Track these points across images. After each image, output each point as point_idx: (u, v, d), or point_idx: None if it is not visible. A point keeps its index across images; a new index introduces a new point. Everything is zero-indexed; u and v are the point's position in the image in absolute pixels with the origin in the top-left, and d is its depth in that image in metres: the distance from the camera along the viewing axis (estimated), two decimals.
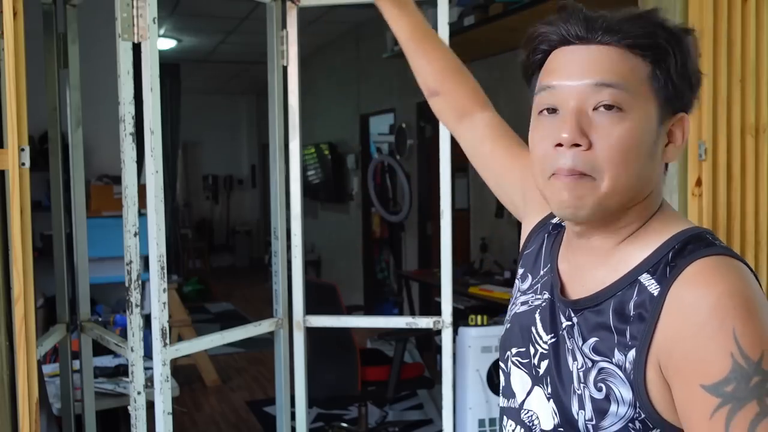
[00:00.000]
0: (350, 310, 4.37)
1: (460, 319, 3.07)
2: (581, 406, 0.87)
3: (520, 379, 0.98)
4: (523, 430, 0.96)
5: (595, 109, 0.85)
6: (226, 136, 11.69)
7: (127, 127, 1.89)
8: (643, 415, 0.83)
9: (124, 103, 1.89)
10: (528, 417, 0.95)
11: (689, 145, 2.19)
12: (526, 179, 1.11)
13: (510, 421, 1.00)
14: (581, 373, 0.87)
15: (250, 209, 11.99)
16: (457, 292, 4.35)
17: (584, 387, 0.87)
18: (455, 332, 2.81)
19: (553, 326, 0.93)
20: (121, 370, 3.02)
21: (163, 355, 1.94)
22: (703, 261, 0.82)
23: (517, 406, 0.98)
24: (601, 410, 0.85)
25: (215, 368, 5.35)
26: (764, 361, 0.76)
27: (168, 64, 6.79)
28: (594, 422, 0.85)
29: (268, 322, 2.37)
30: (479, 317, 3.14)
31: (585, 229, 0.91)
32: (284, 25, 2.33)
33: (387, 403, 4.39)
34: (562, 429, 0.90)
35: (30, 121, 1.66)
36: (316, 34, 7.14)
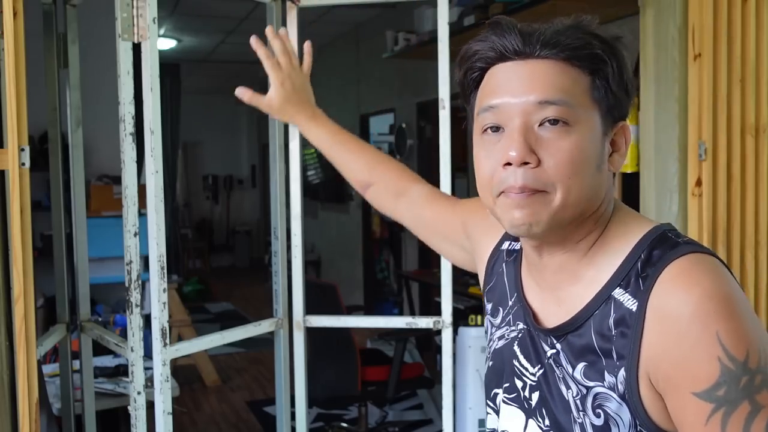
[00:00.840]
0: (350, 310, 4.37)
1: (460, 319, 3.07)
2: None
3: (512, 416, 0.95)
4: None
5: (540, 125, 0.84)
6: (226, 136, 11.69)
7: (127, 127, 1.89)
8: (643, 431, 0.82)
9: (124, 103, 1.89)
10: None
11: (689, 145, 2.19)
12: (466, 221, 1.12)
13: None
14: (578, 402, 0.86)
15: (250, 209, 11.99)
16: (457, 292, 4.35)
17: (584, 415, 0.85)
18: (455, 332, 2.81)
19: (537, 356, 0.92)
20: (121, 370, 3.02)
21: (163, 355, 1.94)
22: (674, 265, 0.81)
23: None
24: None
25: (215, 368, 5.35)
26: (750, 360, 0.75)
27: (168, 64, 6.79)
28: None
29: (268, 322, 2.37)
30: (479, 317, 3.14)
31: (540, 244, 0.89)
32: (284, 25, 2.33)
33: (387, 403, 4.39)
34: None
35: (30, 121, 1.66)
36: (316, 34, 7.14)
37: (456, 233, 1.17)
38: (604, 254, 0.88)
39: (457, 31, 4.02)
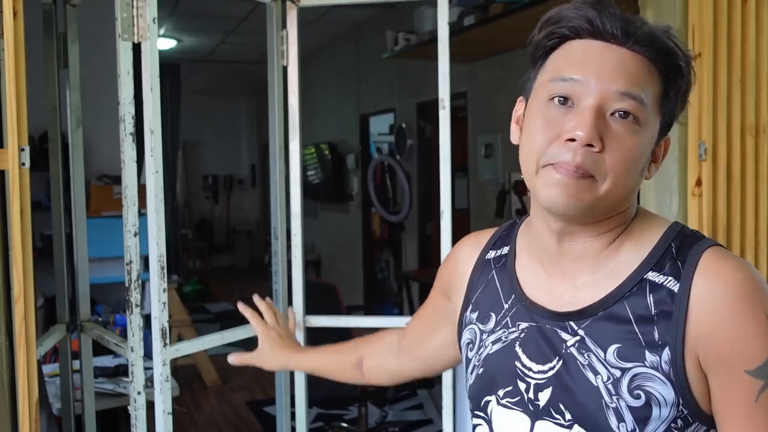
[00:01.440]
0: (350, 310, 4.36)
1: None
2: (620, 419, 0.84)
3: (512, 421, 0.93)
4: None
5: (612, 113, 0.84)
6: (226, 136, 11.69)
7: (127, 127, 1.89)
8: (686, 412, 0.83)
9: (124, 103, 1.89)
10: None
11: (689, 145, 2.19)
12: (444, 288, 1.13)
13: None
14: (609, 386, 0.85)
15: (250, 209, 11.99)
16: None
17: (618, 398, 0.84)
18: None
19: (552, 350, 0.90)
20: (121, 370, 3.02)
21: (163, 355, 1.94)
22: (709, 253, 0.85)
23: None
24: (643, 418, 0.83)
25: (215, 368, 5.35)
26: None
27: (168, 64, 6.79)
28: (638, 430, 0.83)
29: None
30: None
31: (564, 229, 0.90)
32: (284, 25, 2.33)
33: (387, 403, 4.39)
34: None
35: (30, 121, 1.66)
36: (316, 34, 7.14)
37: (446, 310, 1.14)
38: (630, 244, 0.90)
39: (457, 31, 4.03)
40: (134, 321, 1.92)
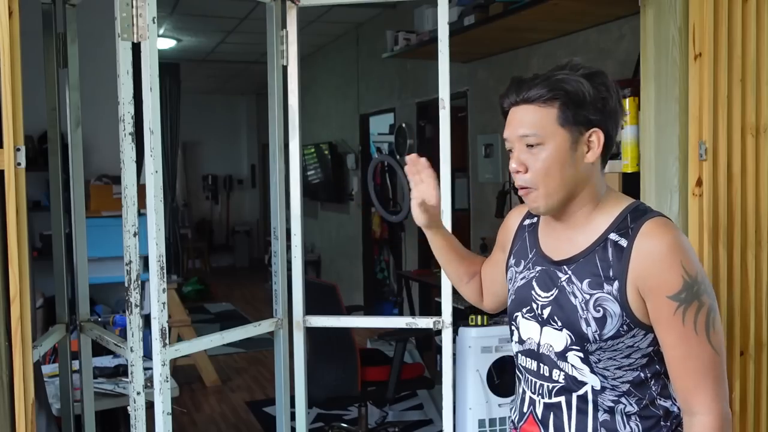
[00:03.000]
0: (350, 310, 4.36)
1: (460, 319, 3.06)
2: (588, 324, 1.33)
3: (530, 327, 1.44)
4: (544, 360, 1.41)
5: (526, 147, 1.35)
6: (226, 136, 11.69)
7: (127, 126, 1.89)
8: (628, 320, 1.31)
9: (124, 103, 1.88)
10: (545, 348, 1.41)
11: (689, 145, 2.19)
12: (499, 248, 1.65)
13: (527, 359, 1.46)
14: (582, 304, 1.34)
15: (250, 209, 11.99)
16: (458, 293, 4.34)
17: (587, 312, 1.34)
18: (455, 332, 2.81)
19: (552, 283, 1.40)
20: (121, 371, 3.02)
21: (162, 356, 1.93)
22: (651, 223, 1.32)
23: (535, 346, 1.43)
24: (601, 323, 1.32)
25: (215, 368, 5.35)
26: (697, 277, 1.29)
27: (168, 63, 6.79)
28: (598, 331, 1.32)
29: (268, 322, 2.36)
30: (479, 317, 3.13)
31: (555, 214, 1.40)
32: (284, 25, 2.33)
33: (387, 404, 4.39)
34: (574, 346, 1.35)
35: (29, 121, 1.65)
36: (316, 34, 7.14)
37: (502, 262, 1.63)
38: (600, 214, 1.38)
39: (457, 31, 4.02)
40: (134, 321, 1.92)
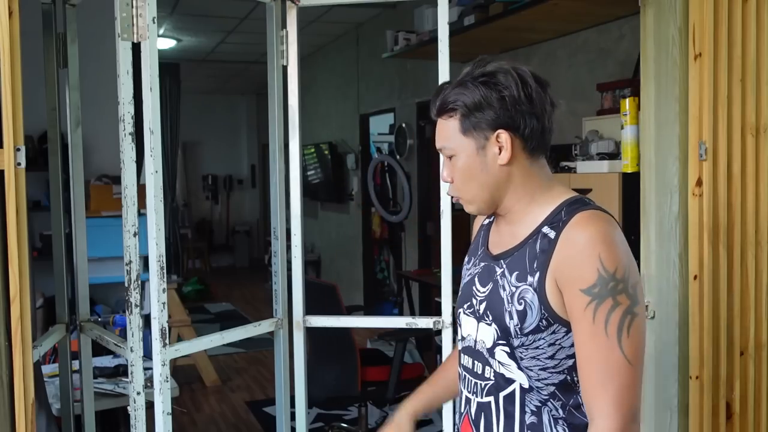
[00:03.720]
0: (350, 310, 4.36)
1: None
2: (511, 317, 1.31)
3: (469, 323, 1.43)
4: (477, 357, 1.40)
5: (448, 158, 1.38)
6: (226, 136, 11.69)
7: (127, 126, 1.89)
8: (546, 315, 1.27)
9: (124, 103, 1.88)
10: (480, 344, 1.39)
11: (689, 145, 2.19)
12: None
13: (465, 356, 1.44)
14: (509, 296, 1.32)
15: (250, 209, 11.98)
16: (458, 293, 4.33)
17: (511, 305, 1.31)
18: (455, 332, 2.81)
19: (490, 278, 1.38)
20: (121, 371, 3.02)
21: (162, 356, 1.93)
22: (581, 214, 1.28)
23: (472, 342, 1.41)
24: (522, 316, 1.29)
25: (215, 368, 5.35)
26: (617, 273, 1.22)
27: (168, 63, 6.79)
28: (519, 325, 1.29)
29: (268, 322, 2.36)
30: None
31: (495, 213, 1.41)
32: (284, 25, 2.33)
33: (387, 404, 4.39)
34: (500, 341, 1.33)
35: (30, 121, 1.65)
36: (316, 34, 7.13)
37: None
38: (536, 208, 1.35)
39: (457, 31, 4.02)
40: (134, 321, 1.92)
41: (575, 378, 1.29)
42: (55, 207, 2.34)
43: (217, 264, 11.48)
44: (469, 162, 1.34)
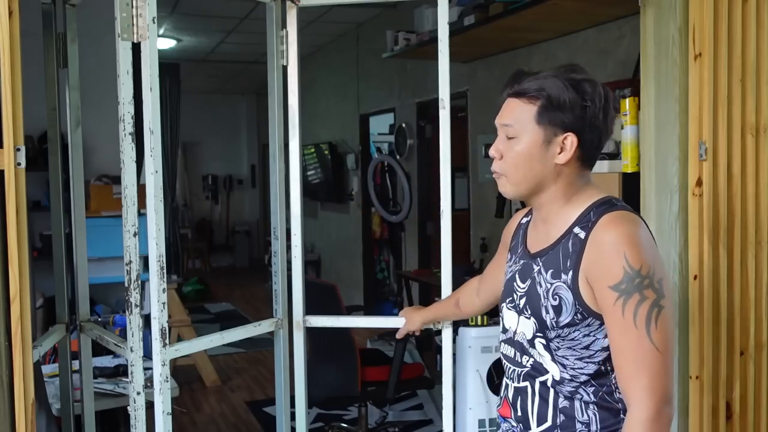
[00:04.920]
0: (350, 310, 4.36)
1: (459, 320, 3.07)
2: (547, 312, 1.42)
3: (510, 316, 1.55)
4: (516, 347, 1.52)
5: (506, 136, 1.45)
6: (226, 136, 11.68)
7: (127, 126, 1.89)
8: (580, 309, 1.38)
9: (124, 103, 1.88)
10: (519, 336, 1.51)
11: (689, 145, 2.19)
12: (504, 247, 1.72)
13: (507, 346, 1.56)
14: (545, 292, 1.43)
15: (250, 209, 11.98)
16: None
17: (547, 300, 1.42)
18: (455, 332, 2.81)
19: (528, 275, 1.49)
20: (121, 371, 3.02)
21: (162, 356, 1.93)
22: (608, 216, 1.38)
23: (512, 334, 1.53)
24: (557, 310, 1.40)
25: (215, 368, 5.34)
26: (642, 270, 1.31)
27: (168, 63, 6.78)
28: (555, 319, 1.41)
29: (268, 322, 2.36)
30: (479, 317, 3.13)
31: (535, 207, 1.50)
32: (284, 25, 2.33)
33: (387, 404, 4.39)
34: (538, 333, 1.45)
35: (29, 121, 1.65)
36: (316, 34, 7.13)
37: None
38: (571, 209, 1.44)
39: (457, 31, 4.02)
40: (134, 321, 1.92)
41: (608, 367, 1.40)
42: (55, 207, 2.34)
43: (217, 264, 11.47)
44: (530, 149, 1.42)
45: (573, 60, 4.19)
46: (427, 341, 5.13)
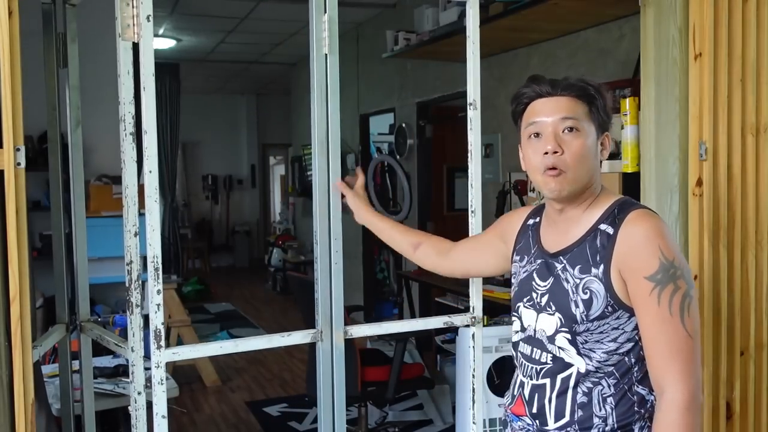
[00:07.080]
0: (350, 310, 4.36)
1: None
2: (576, 306, 1.47)
3: (529, 315, 1.58)
4: (536, 344, 1.55)
5: (563, 131, 1.48)
6: (226, 136, 11.68)
7: (127, 126, 1.88)
8: (612, 302, 1.44)
9: (124, 103, 1.88)
10: (539, 333, 1.54)
11: (690, 145, 2.19)
12: (502, 232, 1.78)
13: (525, 344, 1.59)
14: (573, 288, 1.48)
15: (250, 209, 11.99)
16: (457, 293, 4.33)
17: (576, 294, 1.47)
18: (455, 332, 2.81)
19: (550, 273, 1.54)
20: (121, 371, 3.01)
21: (157, 358, 1.92)
22: (635, 212, 1.46)
23: (532, 331, 1.57)
24: (588, 304, 1.46)
25: (215, 368, 5.34)
26: (675, 261, 1.40)
27: (168, 63, 6.79)
28: (585, 312, 1.46)
29: (301, 334, 2.29)
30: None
31: (563, 205, 1.54)
32: (326, 9, 2.16)
33: (387, 404, 4.38)
34: (563, 328, 1.49)
35: (29, 121, 1.65)
36: None
37: (496, 246, 1.80)
38: (594, 209, 1.52)
39: (457, 30, 4.02)
40: (134, 321, 1.92)
41: (632, 360, 1.46)
42: (55, 207, 2.34)
43: (217, 264, 11.48)
44: (591, 145, 1.49)
45: (573, 60, 4.19)
46: (427, 341, 5.12)
